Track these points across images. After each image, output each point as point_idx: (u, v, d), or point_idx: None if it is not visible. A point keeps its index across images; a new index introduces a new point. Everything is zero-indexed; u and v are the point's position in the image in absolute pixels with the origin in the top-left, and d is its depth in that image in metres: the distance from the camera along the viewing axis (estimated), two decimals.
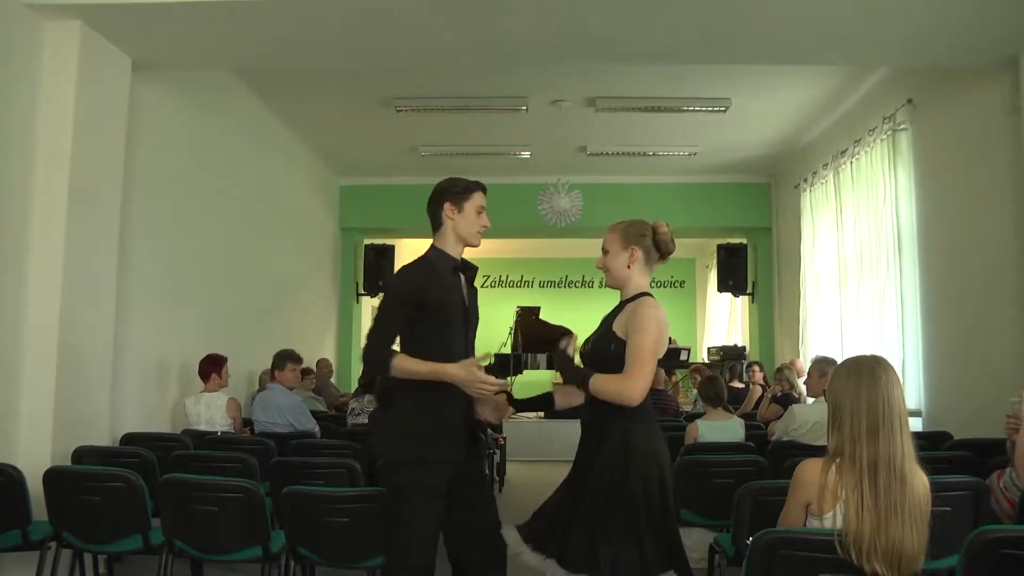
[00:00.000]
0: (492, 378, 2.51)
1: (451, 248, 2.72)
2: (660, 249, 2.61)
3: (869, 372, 2.02)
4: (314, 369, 7.90)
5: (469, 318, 2.70)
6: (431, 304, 2.57)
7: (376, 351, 2.55)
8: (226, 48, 4.95)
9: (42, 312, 4.19)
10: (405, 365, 2.50)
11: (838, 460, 2.01)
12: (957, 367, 5.52)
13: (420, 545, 2.47)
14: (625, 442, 2.39)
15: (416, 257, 2.73)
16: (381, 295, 2.59)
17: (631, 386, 2.36)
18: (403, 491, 2.50)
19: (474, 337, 2.75)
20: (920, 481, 1.98)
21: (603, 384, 2.40)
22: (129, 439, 4.61)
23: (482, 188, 2.76)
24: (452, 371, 2.49)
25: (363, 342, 2.59)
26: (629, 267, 2.59)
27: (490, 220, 2.83)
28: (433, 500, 2.50)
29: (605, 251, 2.64)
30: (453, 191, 2.72)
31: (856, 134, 7.07)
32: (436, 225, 2.74)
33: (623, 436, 2.40)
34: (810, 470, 2.06)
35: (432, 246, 2.74)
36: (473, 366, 2.49)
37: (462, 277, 2.72)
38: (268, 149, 7.89)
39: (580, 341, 2.69)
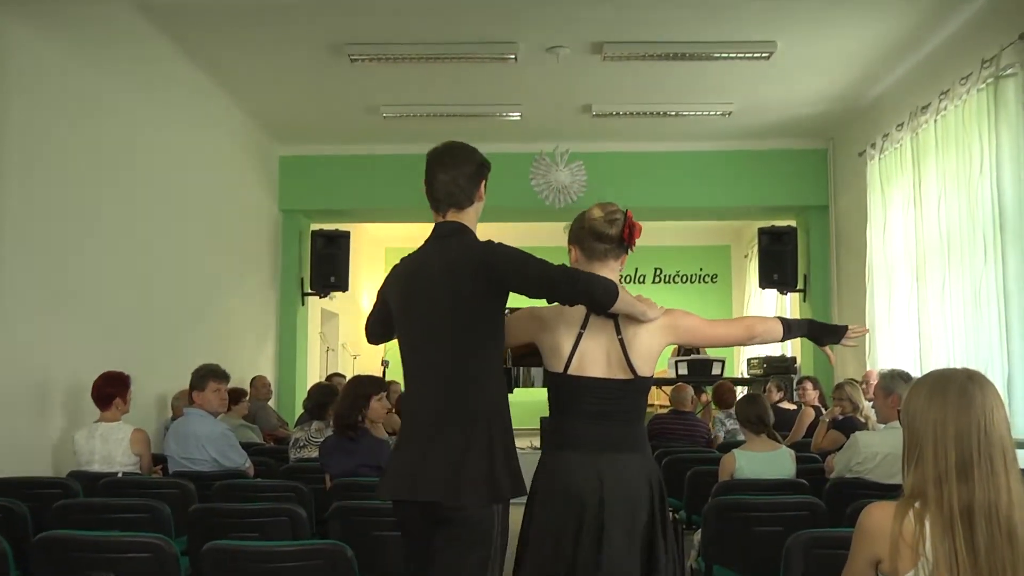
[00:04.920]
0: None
1: None
2: (595, 235, 2.76)
3: (959, 390, 1.98)
4: (247, 390, 7.84)
5: None
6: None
7: (598, 278, 2.60)
8: None
9: None
10: (626, 297, 2.62)
11: (918, 504, 1.97)
12: None
13: None
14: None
15: (474, 234, 2.79)
16: (508, 253, 2.62)
17: None
18: (494, 541, 2.58)
19: None
20: None
21: None
22: None
23: None
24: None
25: (547, 281, 2.58)
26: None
27: None
28: None
29: None
30: (487, 167, 2.83)
31: (943, 83, 7.04)
32: (463, 203, 2.77)
33: None
34: (880, 516, 2.02)
35: (467, 228, 2.78)
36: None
37: None
38: (184, 109, 7.84)
39: None
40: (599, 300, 2.55)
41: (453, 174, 2.74)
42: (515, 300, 2.67)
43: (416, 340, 2.73)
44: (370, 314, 3.01)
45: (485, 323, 2.66)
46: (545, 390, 2.84)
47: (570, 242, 2.85)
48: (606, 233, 2.74)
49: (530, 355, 2.94)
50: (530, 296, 2.62)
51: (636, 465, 2.66)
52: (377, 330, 3.00)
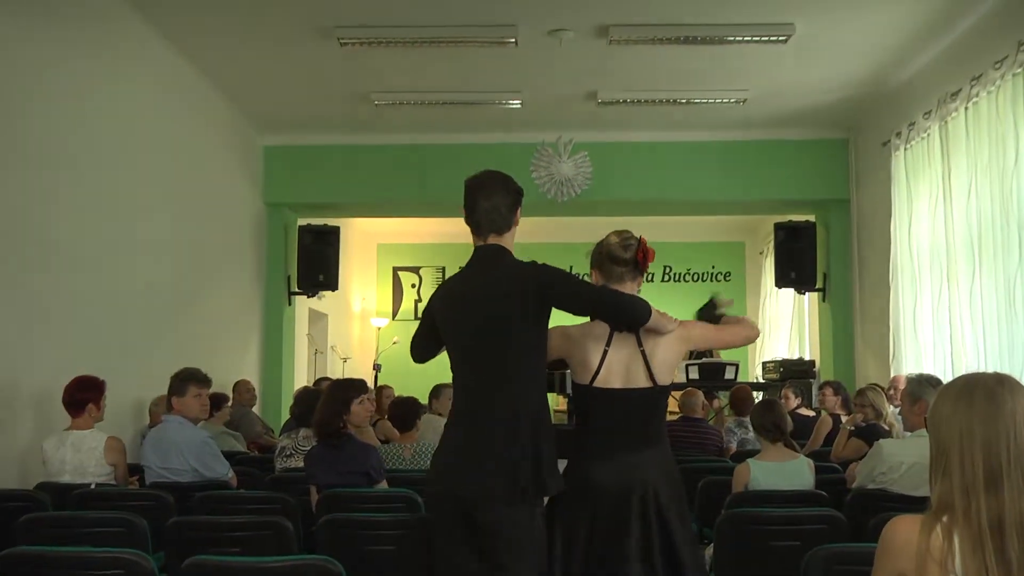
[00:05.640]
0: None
1: None
2: (611, 259, 3.26)
3: (986, 395, 1.97)
4: (229, 395, 7.85)
5: None
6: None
7: (635, 297, 3.15)
8: None
9: None
10: (655, 314, 3.12)
11: (946, 517, 1.96)
12: None
13: None
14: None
15: (513, 255, 3.25)
16: (556, 272, 3.13)
17: None
18: (535, 536, 3.04)
19: None
20: None
21: None
22: None
23: None
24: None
25: (592, 301, 3.17)
26: None
27: None
28: None
29: None
30: (522, 195, 3.31)
31: (974, 68, 7.02)
32: (503, 229, 3.22)
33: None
34: (905, 530, 2.01)
35: (508, 251, 3.23)
36: None
37: None
38: (160, 96, 7.83)
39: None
40: (637, 317, 3.08)
41: (494, 202, 3.18)
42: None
43: (470, 352, 3.17)
44: (416, 333, 3.43)
45: (533, 335, 3.13)
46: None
47: (591, 266, 3.35)
48: (621, 257, 3.24)
49: (556, 366, 3.40)
50: (573, 312, 3.15)
51: (654, 459, 3.16)
52: (425, 346, 3.41)
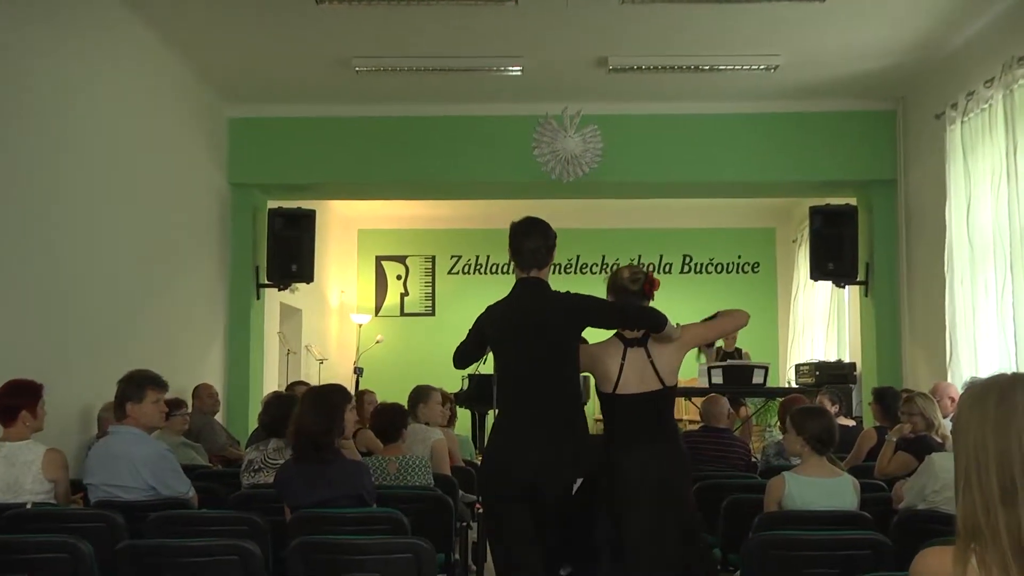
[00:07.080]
0: None
1: None
2: (623, 291, 4.59)
3: (999, 399, 1.97)
4: (187, 401, 7.85)
5: None
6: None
7: (654, 310, 4.49)
8: None
9: None
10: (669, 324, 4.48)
11: (977, 545, 1.95)
12: None
13: None
14: None
15: (550, 287, 4.45)
16: (591, 300, 4.43)
17: None
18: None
19: None
20: None
21: None
22: None
23: None
24: None
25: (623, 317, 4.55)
26: None
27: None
28: None
29: None
30: (556, 236, 4.52)
31: None
32: (543, 265, 4.43)
33: None
34: (937, 563, 2.02)
35: (547, 283, 4.43)
36: None
37: None
38: (109, 61, 7.81)
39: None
40: (657, 324, 4.38)
41: (537, 243, 4.39)
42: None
43: (522, 362, 4.35)
44: (464, 344, 4.66)
45: (572, 349, 4.41)
46: None
47: (608, 292, 4.69)
48: (631, 289, 4.60)
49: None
50: (605, 327, 4.60)
51: (667, 451, 4.44)
52: (471, 357, 4.69)
